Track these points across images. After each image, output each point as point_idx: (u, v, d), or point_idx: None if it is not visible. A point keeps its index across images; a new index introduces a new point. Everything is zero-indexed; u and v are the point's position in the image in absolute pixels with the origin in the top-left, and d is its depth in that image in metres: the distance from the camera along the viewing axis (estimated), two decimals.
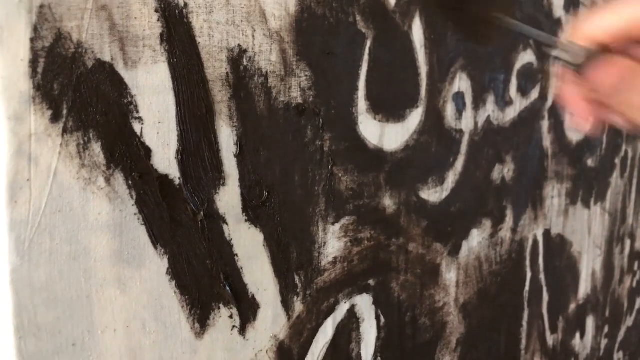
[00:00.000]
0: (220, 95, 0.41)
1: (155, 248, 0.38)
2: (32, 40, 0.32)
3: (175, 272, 0.40)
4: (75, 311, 0.35)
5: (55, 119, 0.33)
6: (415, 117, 0.58)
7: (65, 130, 0.34)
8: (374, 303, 0.56)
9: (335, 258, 0.51)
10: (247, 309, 0.45)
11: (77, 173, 0.34)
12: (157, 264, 0.39)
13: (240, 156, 0.43)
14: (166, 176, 0.39)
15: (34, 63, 0.32)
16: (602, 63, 0.38)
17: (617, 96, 0.39)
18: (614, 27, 0.37)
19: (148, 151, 0.37)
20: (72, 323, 0.35)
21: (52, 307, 0.34)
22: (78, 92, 0.34)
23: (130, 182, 0.37)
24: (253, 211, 0.44)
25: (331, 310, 0.52)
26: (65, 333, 0.35)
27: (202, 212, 0.41)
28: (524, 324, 0.81)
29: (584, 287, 0.95)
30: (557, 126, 0.82)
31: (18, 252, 0.33)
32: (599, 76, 0.38)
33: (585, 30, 0.38)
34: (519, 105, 0.73)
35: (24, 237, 0.33)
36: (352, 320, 0.54)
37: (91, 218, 0.35)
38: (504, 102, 0.70)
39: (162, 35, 0.37)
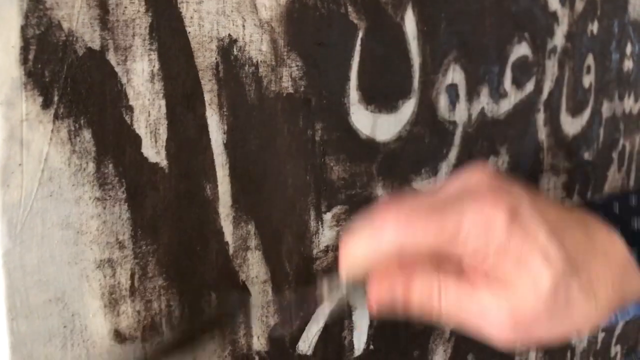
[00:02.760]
0: (210, 85, 0.41)
1: (145, 235, 0.39)
2: (23, 27, 0.33)
3: (166, 259, 0.40)
4: (66, 294, 0.36)
5: (46, 105, 0.34)
6: (407, 108, 0.58)
7: (56, 117, 0.35)
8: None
9: (327, 246, 0.52)
10: (238, 296, 0.45)
11: (68, 159, 0.35)
12: (147, 250, 0.39)
13: (230, 145, 0.43)
14: (156, 164, 0.39)
15: (25, 50, 0.33)
16: (370, 289, 0.33)
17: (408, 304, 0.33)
18: (370, 259, 0.32)
19: (138, 139, 0.38)
20: (64, 306, 0.36)
21: (43, 289, 0.35)
22: (69, 80, 0.35)
23: (120, 169, 0.38)
24: (244, 199, 0.45)
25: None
26: (56, 315, 0.36)
27: (192, 201, 0.42)
28: None
29: None
30: (553, 119, 0.83)
31: (10, 235, 0.33)
32: (373, 303, 0.33)
33: (346, 264, 0.33)
34: (513, 97, 0.74)
35: (16, 220, 0.34)
36: (344, 308, 0.54)
37: (82, 203, 0.36)
38: (498, 94, 0.71)
39: (152, 24, 0.38)
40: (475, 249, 0.31)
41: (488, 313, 0.32)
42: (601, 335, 1.07)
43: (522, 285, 0.31)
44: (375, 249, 0.32)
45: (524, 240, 0.31)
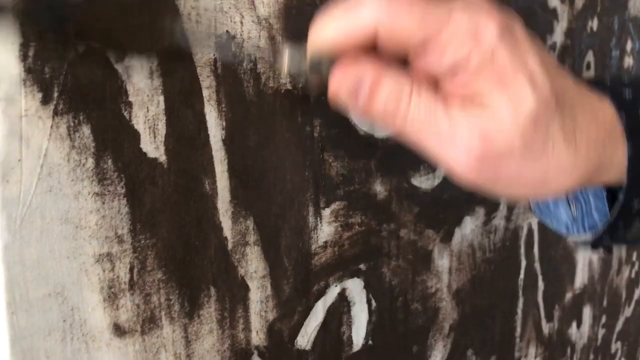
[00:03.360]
0: (209, 81, 0.42)
1: (144, 229, 0.40)
2: (22, 24, 0.33)
3: (165, 253, 0.41)
4: (65, 288, 0.36)
5: (46, 101, 0.34)
6: None
7: (55, 113, 0.35)
8: (365, 287, 0.57)
9: (325, 242, 0.52)
10: (237, 291, 0.46)
11: (67, 154, 0.36)
12: (146, 244, 0.40)
13: (229, 141, 0.44)
14: (155, 159, 0.40)
15: (24, 47, 0.33)
16: (335, 70, 0.30)
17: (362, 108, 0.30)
18: (343, 35, 0.28)
19: (137, 135, 0.39)
20: (63, 300, 0.36)
21: (43, 284, 0.35)
22: (68, 76, 0.35)
23: (119, 165, 0.38)
24: (243, 195, 0.45)
25: (322, 293, 0.53)
26: (56, 310, 0.36)
27: (191, 196, 0.42)
28: (519, 311, 0.82)
29: (581, 277, 0.96)
30: None
31: (10, 230, 0.34)
32: (334, 88, 0.30)
33: (316, 37, 0.29)
34: None
35: (15, 215, 0.34)
36: (342, 303, 0.55)
37: (81, 198, 0.36)
38: None
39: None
40: (456, 56, 0.27)
41: (457, 134, 0.28)
42: (602, 332, 1.07)
43: (501, 106, 0.27)
44: (350, 24, 0.28)
45: (512, 56, 0.27)
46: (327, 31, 0.29)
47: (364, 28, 0.28)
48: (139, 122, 0.38)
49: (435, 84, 0.29)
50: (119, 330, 0.39)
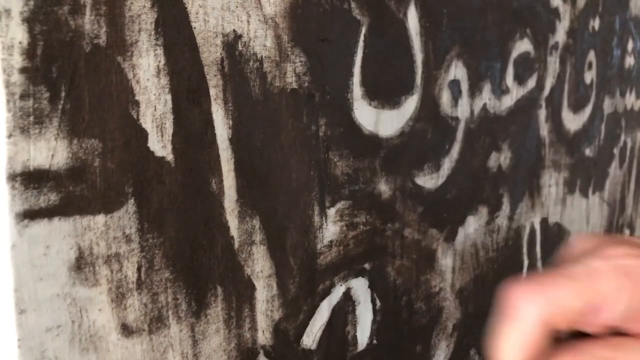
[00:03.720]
0: (215, 80, 0.42)
1: (152, 228, 0.40)
2: (30, 23, 0.33)
3: (172, 252, 0.41)
4: (73, 288, 0.36)
5: (53, 100, 0.34)
6: (410, 104, 0.59)
7: (63, 112, 0.35)
8: (369, 286, 0.57)
9: (330, 241, 0.52)
10: (243, 290, 0.46)
11: (74, 154, 0.35)
12: (153, 243, 0.40)
13: (235, 140, 0.44)
14: (162, 158, 0.40)
15: (32, 46, 0.33)
16: None
17: None
18: (525, 349, 0.28)
19: (144, 133, 0.38)
20: (71, 300, 0.36)
21: (51, 283, 0.35)
22: (75, 75, 0.35)
23: (126, 164, 0.38)
24: (249, 194, 0.45)
25: (327, 292, 0.53)
26: (64, 310, 0.36)
27: (198, 195, 0.42)
28: None
29: None
30: (555, 115, 0.83)
31: (18, 229, 0.34)
32: None
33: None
34: (515, 93, 0.74)
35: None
36: (347, 302, 0.55)
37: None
38: (500, 90, 0.71)
39: (157, 19, 0.38)
40: (623, 309, 0.28)
41: None
42: None
43: None
44: (523, 334, 0.28)
45: None
46: (510, 355, 0.28)
47: (537, 332, 0.28)
48: (147, 120, 0.38)
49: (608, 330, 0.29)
50: (126, 330, 0.39)
